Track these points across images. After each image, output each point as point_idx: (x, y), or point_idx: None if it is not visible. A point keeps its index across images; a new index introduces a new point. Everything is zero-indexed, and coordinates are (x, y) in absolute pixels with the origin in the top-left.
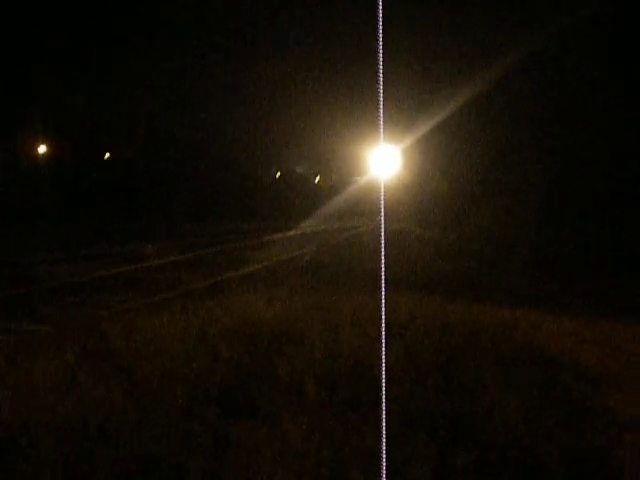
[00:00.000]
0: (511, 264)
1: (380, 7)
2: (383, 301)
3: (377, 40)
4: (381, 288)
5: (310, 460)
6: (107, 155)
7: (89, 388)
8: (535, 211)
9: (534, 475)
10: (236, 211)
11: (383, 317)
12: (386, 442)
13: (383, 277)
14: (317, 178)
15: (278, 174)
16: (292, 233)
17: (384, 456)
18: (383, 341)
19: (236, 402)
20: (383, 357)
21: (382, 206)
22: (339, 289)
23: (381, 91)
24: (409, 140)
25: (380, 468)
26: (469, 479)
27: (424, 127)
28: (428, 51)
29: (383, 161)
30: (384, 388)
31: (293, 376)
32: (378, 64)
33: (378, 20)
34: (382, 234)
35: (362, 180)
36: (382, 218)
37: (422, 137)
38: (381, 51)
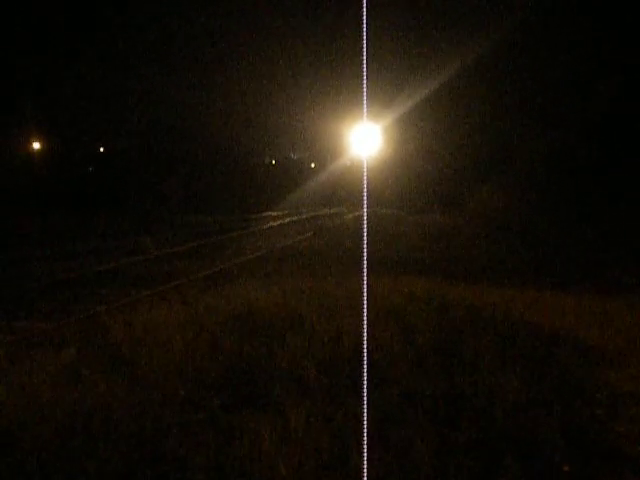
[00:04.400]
0: (512, 249)
1: None
2: (365, 283)
3: (362, 17)
4: (368, 271)
5: (310, 444)
6: (101, 149)
7: (91, 382)
8: (533, 194)
9: (535, 449)
10: (231, 201)
11: (365, 298)
12: (386, 424)
13: (365, 260)
14: (312, 164)
15: (273, 161)
16: (288, 220)
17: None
18: (365, 325)
19: (237, 391)
20: (365, 343)
21: (365, 191)
22: (335, 274)
23: (365, 70)
24: (396, 119)
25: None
26: (470, 456)
27: (409, 105)
28: (412, 24)
29: (370, 143)
30: (366, 368)
31: (293, 363)
32: (363, 44)
33: (362, 3)
34: (364, 219)
35: (355, 163)
36: (365, 203)
37: (408, 116)
38: (366, 28)
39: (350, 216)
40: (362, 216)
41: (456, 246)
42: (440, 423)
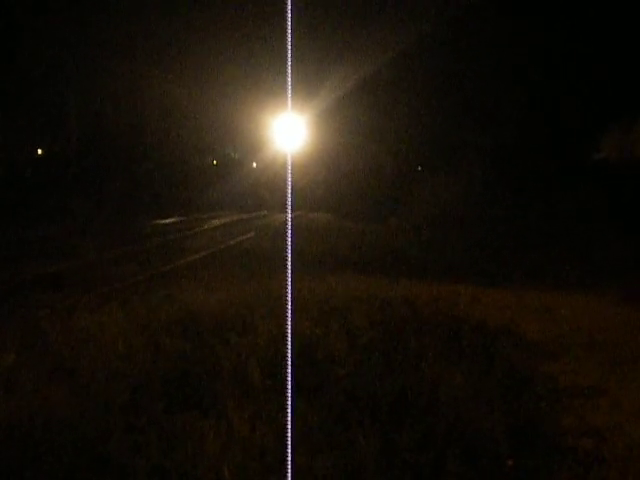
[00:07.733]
0: (453, 247)
1: None
2: (289, 283)
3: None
4: (293, 273)
5: (254, 446)
6: (39, 151)
7: (31, 388)
8: (474, 192)
9: (480, 444)
10: (172, 201)
11: (289, 298)
12: (332, 423)
13: (290, 258)
14: (254, 163)
15: (214, 161)
16: (228, 220)
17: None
18: (289, 322)
19: (181, 394)
20: (289, 341)
21: (289, 192)
22: (277, 274)
23: (290, 57)
24: (324, 111)
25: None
26: (414, 454)
27: (337, 95)
28: (339, 12)
29: (296, 138)
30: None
31: (237, 365)
32: (287, 34)
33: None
34: (289, 222)
35: (280, 160)
36: (289, 206)
37: (337, 108)
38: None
39: (285, 218)
40: (295, 217)
41: (395, 245)
42: (384, 422)
